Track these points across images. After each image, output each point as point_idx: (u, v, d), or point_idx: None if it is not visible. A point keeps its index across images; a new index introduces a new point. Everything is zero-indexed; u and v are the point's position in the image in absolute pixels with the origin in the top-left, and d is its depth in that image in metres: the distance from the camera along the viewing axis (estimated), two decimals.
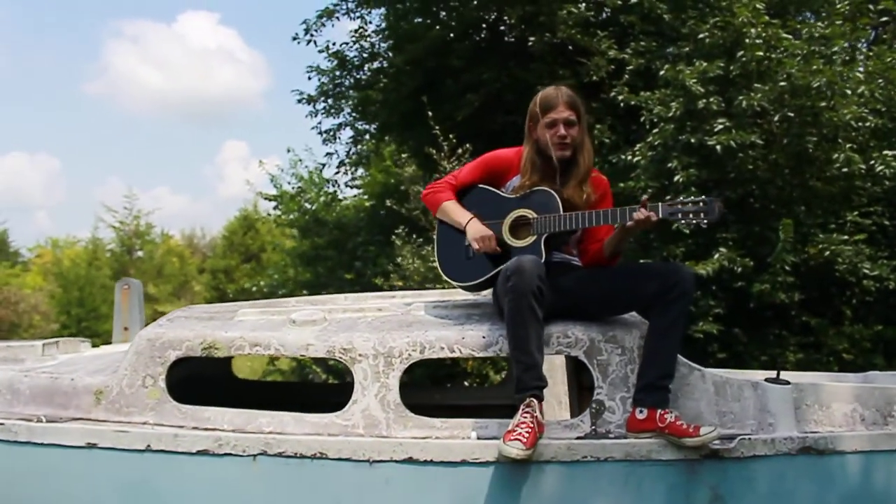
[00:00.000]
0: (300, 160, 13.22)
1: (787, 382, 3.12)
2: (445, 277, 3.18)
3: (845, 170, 6.37)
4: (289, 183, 13.24)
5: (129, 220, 22.97)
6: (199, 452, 2.87)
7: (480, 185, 3.20)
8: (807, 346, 6.87)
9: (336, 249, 11.26)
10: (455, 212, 3.17)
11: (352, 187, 12.81)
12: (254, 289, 12.65)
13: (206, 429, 2.96)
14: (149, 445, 2.89)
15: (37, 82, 54.10)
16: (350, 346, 2.97)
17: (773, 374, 3.22)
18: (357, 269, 9.66)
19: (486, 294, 3.27)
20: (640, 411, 2.84)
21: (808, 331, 6.96)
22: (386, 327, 3.06)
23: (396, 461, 2.78)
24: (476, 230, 3.08)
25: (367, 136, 11.48)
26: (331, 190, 12.79)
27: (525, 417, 2.71)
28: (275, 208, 14.08)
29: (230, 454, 2.85)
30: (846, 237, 6.50)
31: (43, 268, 27.86)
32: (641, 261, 6.45)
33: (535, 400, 2.75)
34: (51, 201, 54.05)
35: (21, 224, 55.23)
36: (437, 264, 3.22)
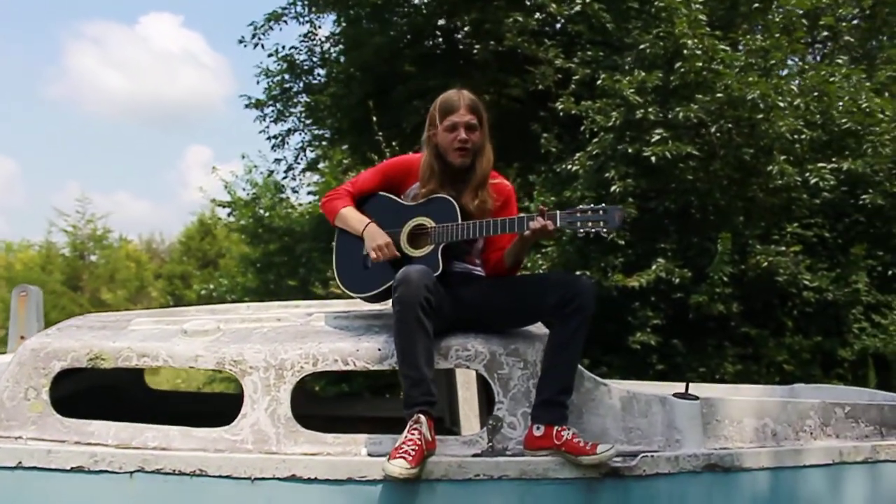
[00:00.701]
0: (255, 166, 13.04)
1: (696, 398, 3.06)
2: (343, 289, 3.07)
3: (780, 182, 6.37)
4: (243, 189, 13.09)
5: (81, 225, 22.46)
6: (73, 469, 2.72)
7: (380, 193, 3.10)
8: (746, 357, 6.86)
9: (287, 256, 11.12)
10: (352, 219, 3.06)
11: (310, 193, 12.67)
12: (202, 292, 12.44)
13: (88, 444, 2.82)
14: (20, 462, 2.74)
15: None
16: (240, 357, 2.85)
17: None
18: (301, 276, 9.51)
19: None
20: (538, 428, 2.76)
21: (748, 342, 6.97)
22: (280, 338, 2.94)
23: (279, 479, 2.66)
24: (373, 237, 2.97)
25: (317, 142, 11.33)
26: (283, 196, 12.63)
27: (412, 434, 2.61)
28: (228, 215, 13.94)
29: (106, 471, 2.71)
30: (783, 248, 6.51)
31: None
32: (541, 271, 6.39)
33: (422, 416, 2.64)
34: (7, 204, 52.92)
35: None
36: (336, 277, 3.10)
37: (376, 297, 3.03)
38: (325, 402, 4.90)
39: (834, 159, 6.71)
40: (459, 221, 2.89)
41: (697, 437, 2.96)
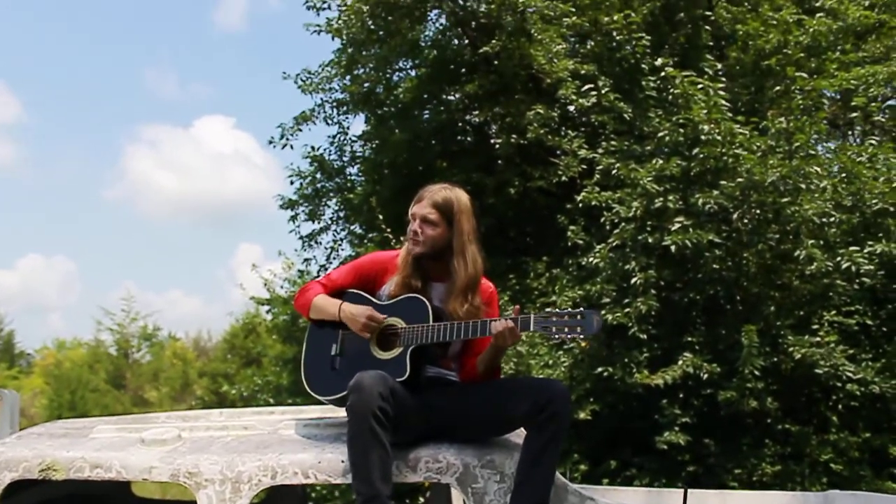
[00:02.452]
0: (293, 263, 13.11)
1: None
2: (310, 392, 2.89)
3: (812, 268, 6.07)
4: (281, 287, 13.16)
5: (126, 323, 22.80)
6: None
7: (351, 290, 2.93)
8: (785, 456, 6.41)
9: None
10: (327, 304, 2.89)
11: None
12: (233, 392, 12.35)
13: None
14: None
15: (58, 188, 55.32)
16: (196, 469, 2.67)
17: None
18: None
19: None
20: None
21: (787, 440, 6.53)
22: (241, 449, 2.76)
23: None
24: (354, 316, 2.80)
25: (347, 239, 11.34)
26: None
27: None
28: (267, 312, 14.02)
29: None
30: (818, 339, 6.15)
31: (45, 370, 27.70)
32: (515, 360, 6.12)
33: None
34: (65, 303, 54.33)
35: (34, 326, 55.27)
36: (303, 379, 2.93)
37: (342, 401, 2.80)
38: None
39: (869, 243, 6.40)
40: (430, 323, 2.72)
41: None
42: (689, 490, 4.04)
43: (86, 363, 24.53)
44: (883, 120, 7.86)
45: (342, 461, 2.65)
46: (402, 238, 7.81)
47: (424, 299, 2.78)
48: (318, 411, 3.27)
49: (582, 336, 2.55)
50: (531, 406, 2.54)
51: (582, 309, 2.58)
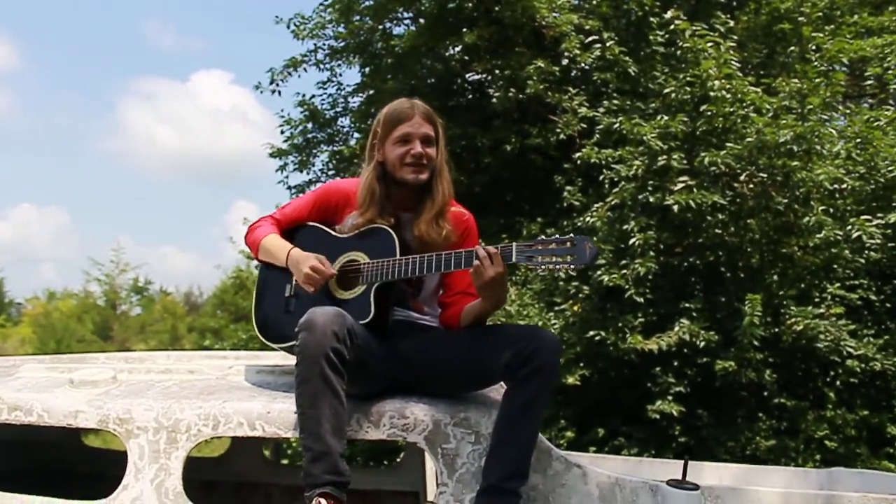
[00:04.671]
0: None
1: (695, 487, 2.47)
2: (262, 339, 2.56)
3: (820, 237, 5.75)
4: None
5: (115, 274, 22.48)
6: None
7: (309, 224, 2.59)
8: (781, 431, 6.15)
9: None
10: (275, 247, 2.54)
11: None
12: (217, 347, 12.11)
13: None
14: None
15: (52, 138, 54.72)
16: (127, 415, 2.36)
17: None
18: None
19: None
20: None
21: (783, 414, 6.27)
22: (181, 394, 2.45)
23: None
24: (298, 263, 2.43)
25: None
26: None
27: None
28: (256, 267, 13.79)
29: None
30: (823, 311, 5.86)
31: (34, 319, 27.42)
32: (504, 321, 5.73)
33: (323, 500, 2.09)
34: (57, 255, 53.97)
35: (26, 277, 55.02)
36: (254, 325, 2.59)
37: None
38: (289, 470, 4.34)
39: (879, 214, 6.08)
40: (397, 257, 2.38)
41: None
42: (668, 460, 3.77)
43: (74, 314, 24.26)
44: None
45: (294, 412, 2.34)
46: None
47: (389, 229, 2.43)
48: (279, 358, 2.96)
49: (573, 266, 2.17)
50: (513, 357, 2.19)
51: (572, 235, 2.21)
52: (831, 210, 5.99)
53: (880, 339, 6.18)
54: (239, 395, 2.43)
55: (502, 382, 2.30)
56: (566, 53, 7.66)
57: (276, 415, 2.34)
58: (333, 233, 2.55)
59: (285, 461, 7.46)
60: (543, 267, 2.20)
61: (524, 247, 2.23)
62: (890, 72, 7.62)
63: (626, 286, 5.88)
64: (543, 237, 2.22)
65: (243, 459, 3.80)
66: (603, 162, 6.48)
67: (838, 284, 6.30)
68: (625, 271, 5.88)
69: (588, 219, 6.39)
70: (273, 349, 2.60)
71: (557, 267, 2.19)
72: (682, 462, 2.98)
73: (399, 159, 2.46)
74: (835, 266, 6.36)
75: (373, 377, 2.33)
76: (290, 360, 2.75)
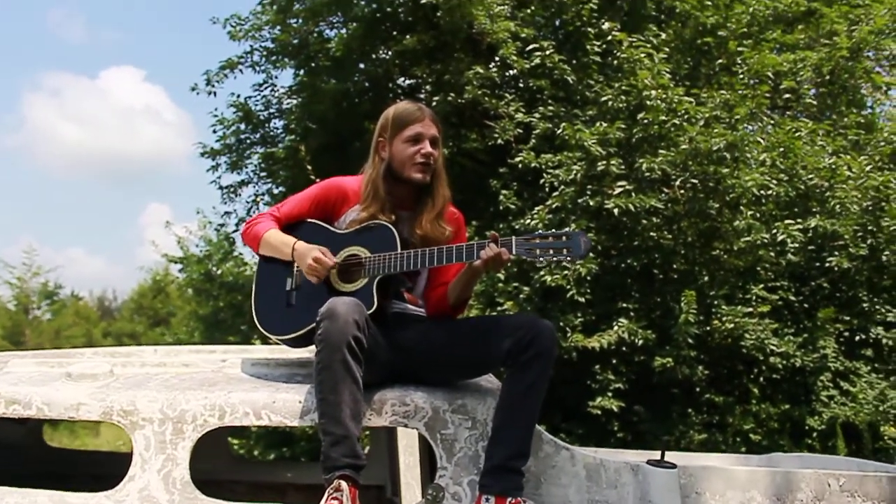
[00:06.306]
0: (210, 222, 12.63)
1: (673, 465, 2.66)
2: (264, 332, 2.62)
3: (747, 239, 6.11)
4: (196, 246, 12.78)
5: (27, 277, 21.54)
6: None
7: (308, 220, 2.67)
8: (711, 425, 6.49)
9: (234, 312, 10.67)
10: (279, 241, 2.61)
11: None
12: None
13: None
14: None
15: None
16: (132, 407, 2.38)
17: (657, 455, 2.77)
18: (244, 333, 8.99)
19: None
20: (487, 500, 2.32)
21: (713, 409, 6.61)
22: (183, 386, 2.48)
23: None
24: (303, 255, 2.52)
25: (270, 197, 10.92)
26: (236, 253, 12.23)
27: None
28: (180, 271, 13.68)
29: None
30: (750, 310, 6.22)
31: None
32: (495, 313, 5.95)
33: (343, 483, 2.18)
34: None
35: None
36: (254, 318, 2.65)
37: (299, 340, 2.57)
38: (254, 466, 4.37)
39: (799, 220, 6.50)
40: (399, 251, 2.49)
41: None
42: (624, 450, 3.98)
43: None
44: (814, 103, 7.99)
45: (299, 402, 2.41)
46: None
47: (390, 225, 2.53)
48: (266, 351, 3.01)
49: (569, 258, 2.35)
50: (514, 344, 2.34)
51: (567, 230, 2.38)
52: (758, 215, 6.35)
53: (799, 338, 6.57)
54: (241, 386, 2.48)
55: (501, 369, 2.43)
56: (506, 60, 7.86)
57: (281, 404, 2.41)
58: (332, 228, 2.63)
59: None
60: (543, 260, 2.35)
61: (523, 241, 2.39)
62: (805, 86, 8.15)
63: (568, 286, 6.10)
64: (541, 231, 2.38)
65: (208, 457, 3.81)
66: (542, 166, 6.69)
67: (762, 286, 6.68)
68: (566, 272, 6.10)
69: (527, 221, 6.59)
70: (273, 342, 2.65)
71: (555, 259, 2.34)
72: (655, 452, 3.18)
73: (409, 158, 2.58)
74: (758, 268, 6.76)
75: (379, 366, 2.42)
76: (284, 353, 2.82)
